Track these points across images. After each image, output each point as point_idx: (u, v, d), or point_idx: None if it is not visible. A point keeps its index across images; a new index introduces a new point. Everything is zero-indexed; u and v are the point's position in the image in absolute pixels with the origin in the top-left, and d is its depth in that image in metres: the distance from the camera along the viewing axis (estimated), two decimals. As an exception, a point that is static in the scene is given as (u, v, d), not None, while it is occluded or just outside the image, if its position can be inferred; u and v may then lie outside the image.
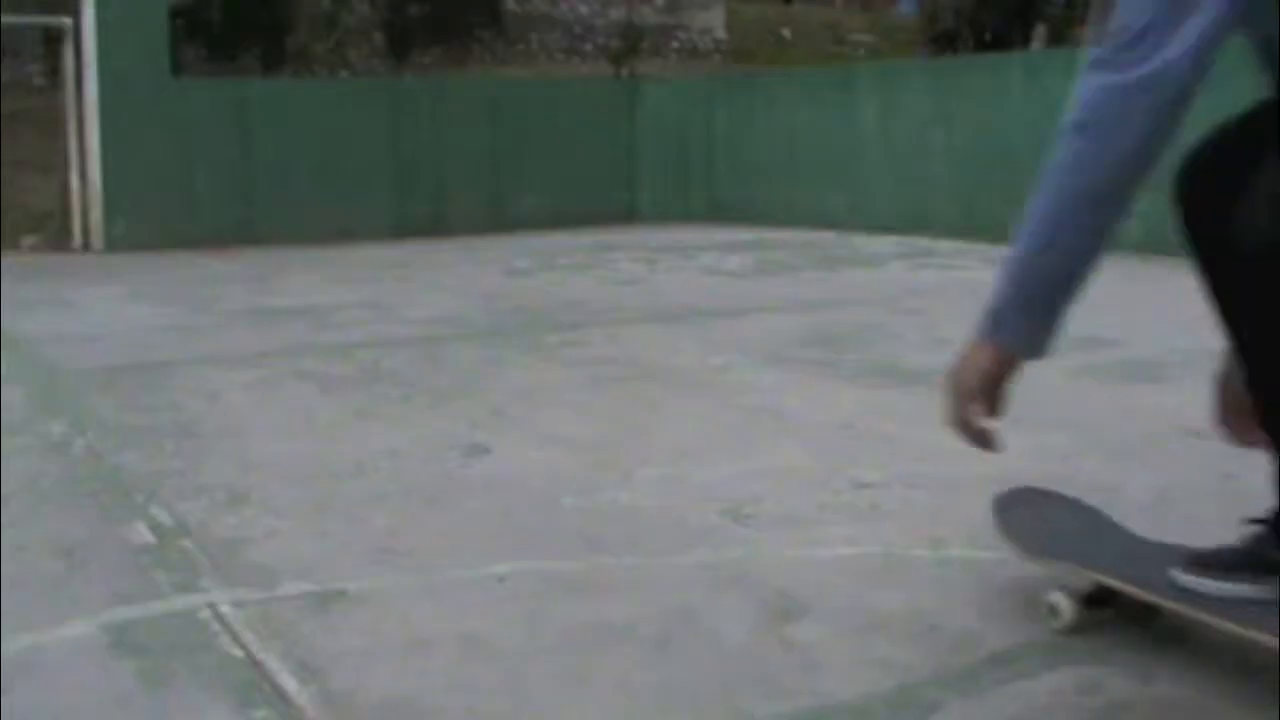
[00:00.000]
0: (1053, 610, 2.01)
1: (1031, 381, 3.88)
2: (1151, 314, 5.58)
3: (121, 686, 1.84)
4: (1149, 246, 7.81)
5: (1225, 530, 2.48)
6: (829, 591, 2.18)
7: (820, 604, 2.12)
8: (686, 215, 11.14)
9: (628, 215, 11.21)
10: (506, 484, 2.89)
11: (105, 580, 2.28)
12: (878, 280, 6.81)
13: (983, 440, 1.81)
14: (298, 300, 6.38)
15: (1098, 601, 2.00)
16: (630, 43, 16.86)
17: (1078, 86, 1.69)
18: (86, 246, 9.37)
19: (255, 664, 1.90)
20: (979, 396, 1.78)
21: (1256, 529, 1.88)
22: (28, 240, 9.68)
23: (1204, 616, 1.81)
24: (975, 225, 8.79)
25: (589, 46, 19.87)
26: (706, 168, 11.24)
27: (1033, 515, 2.23)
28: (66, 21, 9.40)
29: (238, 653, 1.95)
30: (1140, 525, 2.53)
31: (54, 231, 9.75)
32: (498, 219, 10.50)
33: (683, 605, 2.12)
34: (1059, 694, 1.77)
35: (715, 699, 1.78)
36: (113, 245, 9.22)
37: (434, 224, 10.27)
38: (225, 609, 2.13)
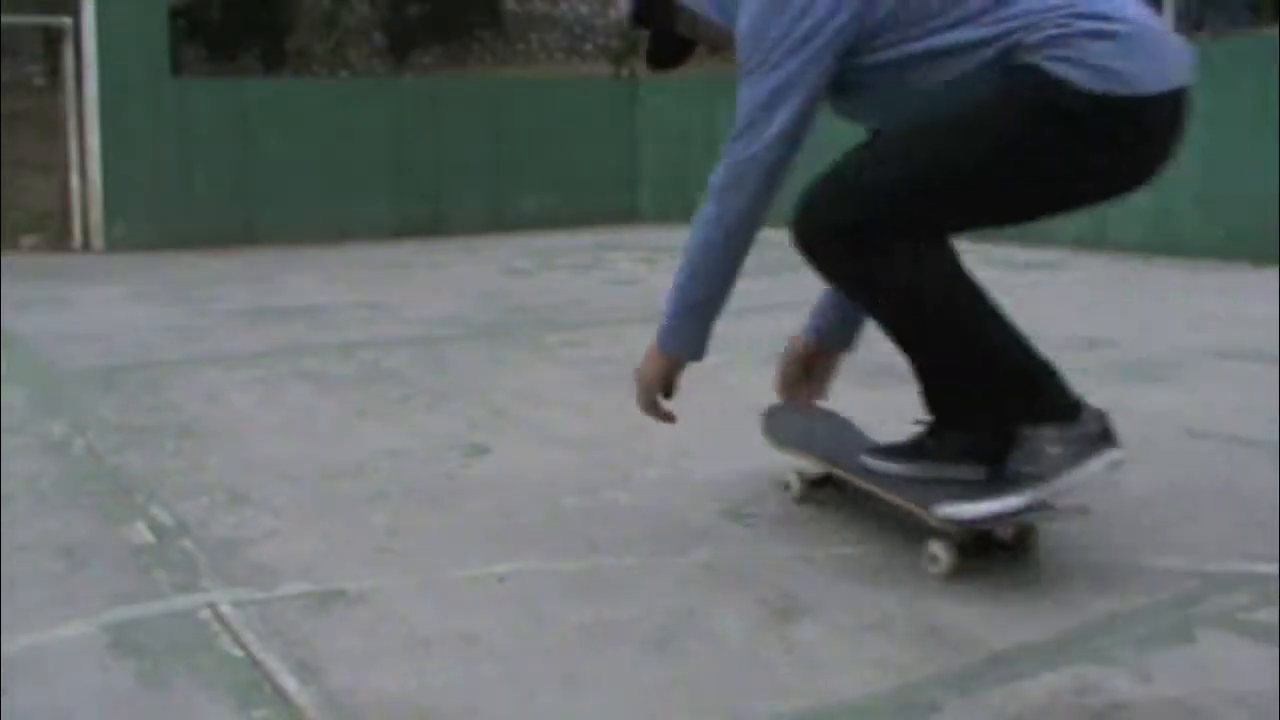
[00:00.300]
0: (787, 485, 2.73)
1: (1031, 381, 3.84)
2: (1151, 314, 5.58)
3: (121, 686, 1.84)
4: (1149, 246, 7.85)
5: (1224, 527, 2.49)
6: (829, 591, 2.18)
7: (820, 604, 2.12)
8: (686, 215, 11.07)
9: (628, 215, 11.21)
10: (506, 484, 2.89)
11: (105, 580, 2.28)
12: (878, 280, 6.81)
13: (666, 417, 2.53)
14: (298, 300, 6.38)
15: (819, 483, 2.69)
16: (630, 43, 16.84)
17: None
18: (86, 246, 9.37)
19: (255, 664, 1.90)
20: (660, 388, 2.48)
21: (918, 428, 2.47)
22: (28, 240, 9.68)
23: (869, 486, 2.46)
24: (975, 225, 8.78)
25: (589, 46, 19.88)
26: (706, 168, 11.16)
27: (791, 420, 2.88)
28: (66, 21, 9.40)
29: (238, 653, 1.95)
30: (1140, 523, 2.53)
31: (54, 231, 9.75)
32: (498, 219, 10.50)
33: (683, 605, 2.12)
34: (1059, 694, 1.77)
35: (715, 699, 1.78)
36: (113, 245, 9.22)
37: (434, 224, 10.27)
38: (225, 609, 2.13)
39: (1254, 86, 7.27)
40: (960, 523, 2.20)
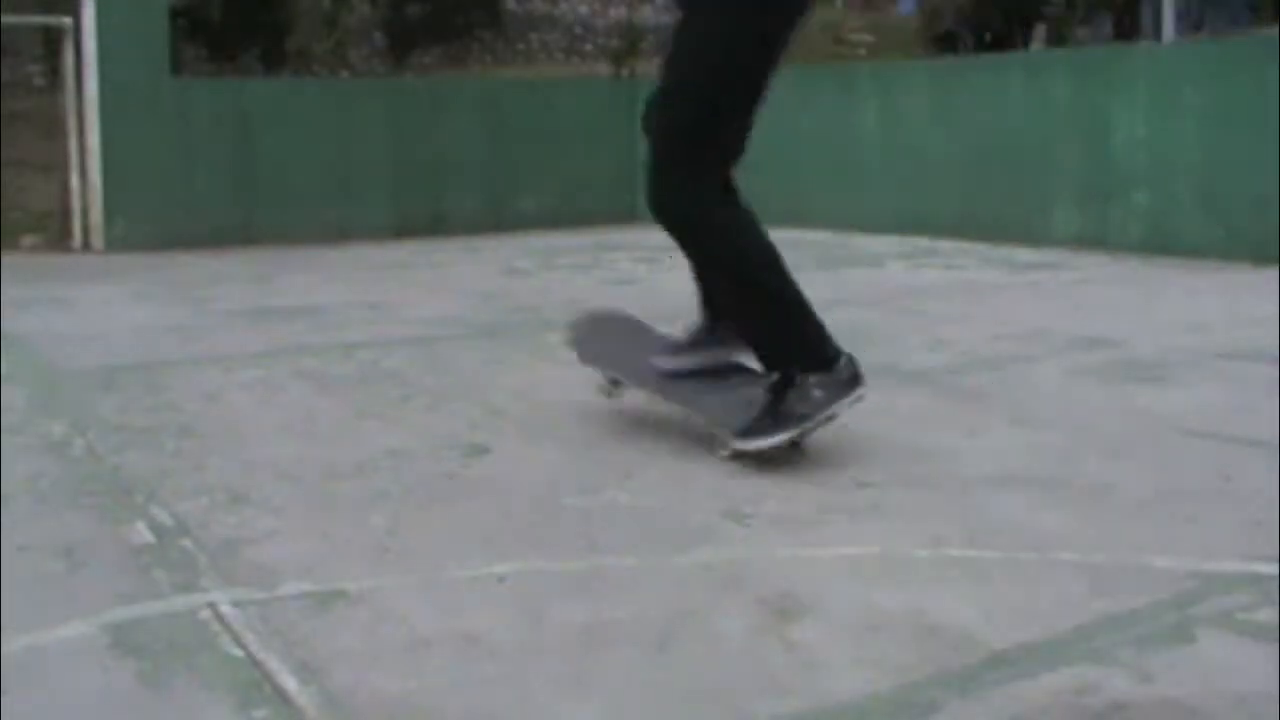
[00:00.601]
0: (601, 388, 3.35)
1: (1032, 381, 3.90)
2: (1152, 314, 5.58)
3: (121, 686, 1.84)
4: (1149, 246, 7.85)
5: (1224, 527, 2.49)
6: (829, 591, 2.18)
7: (820, 604, 2.12)
8: (686, 215, 11.11)
9: (628, 215, 11.19)
10: (506, 484, 2.89)
11: (105, 580, 2.28)
12: (878, 280, 6.81)
13: None
14: (298, 300, 6.38)
15: (617, 382, 3.30)
16: (630, 43, 16.84)
17: None
18: (86, 246, 9.36)
19: (255, 664, 1.90)
20: None
21: (693, 326, 3.15)
22: (28, 240, 9.67)
23: (672, 400, 3.15)
24: (975, 225, 8.79)
25: (589, 46, 19.88)
26: (706, 168, 11.22)
27: (596, 329, 3.46)
28: (66, 21, 9.38)
29: (238, 653, 1.95)
30: (1140, 523, 2.53)
31: (54, 231, 9.74)
32: (498, 219, 10.49)
33: (683, 605, 2.12)
34: (1059, 694, 1.77)
35: (715, 699, 1.78)
36: (113, 245, 9.20)
37: (434, 224, 10.26)
38: (225, 609, 2.13)
39: (1254, 86, 7.27)
40: (748, 452, 2.90)
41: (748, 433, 2.89)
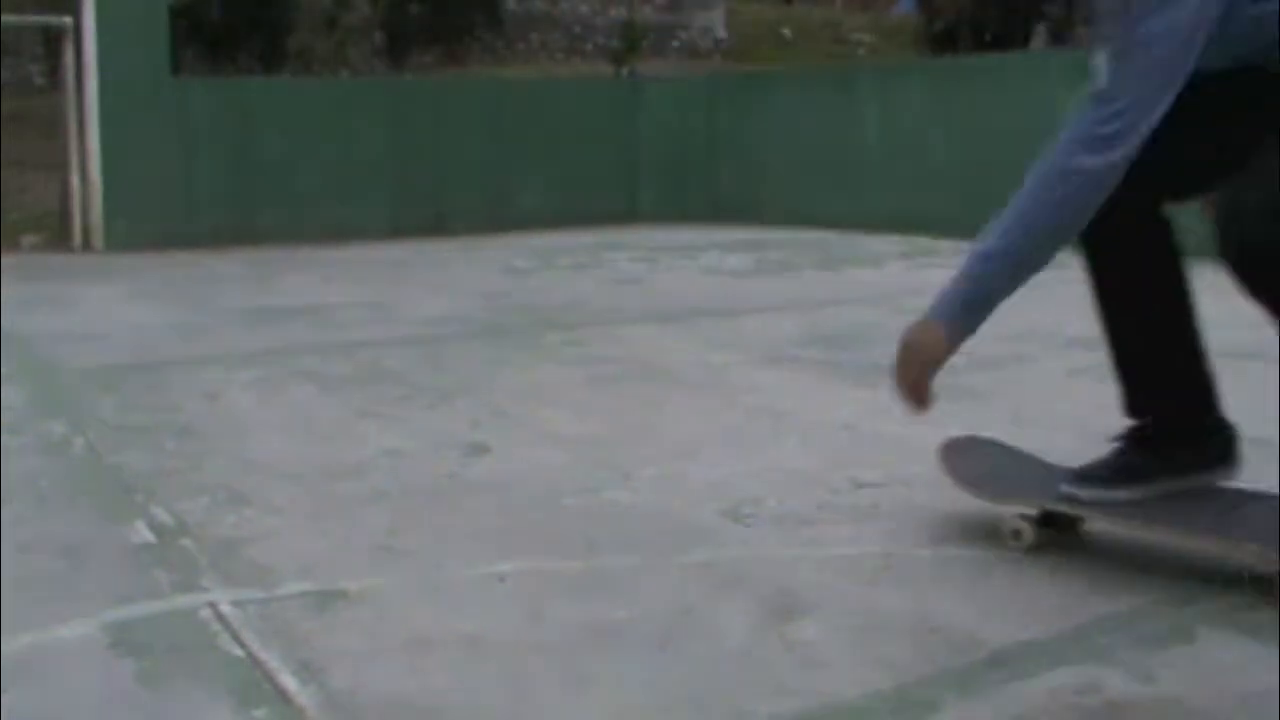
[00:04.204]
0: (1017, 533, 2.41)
1: (1033, 381, 3.90)
2: (1151, 314, 5.57)
3: (121, 686, 1.84)
4: (1149, 246, 7.85)
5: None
6: (829, 591, 2.18)
7: (820, 604, 2.12)
8: (686, 215, 11.13)
9: (628, 215, 11.21)
10: (506, 484, 2.89)
11: (105, 580, 2.28)
12: (878, 280, 6.81)
13: (924, 402, 2.25)
14: (298, 300, 6.38)
15: (1048, 523, 2.39)
16: (630, 42, 16.84)
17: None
18: (86, 246, 9.37)
19: (255, 664, 1.90)
20: (938, 369, 2.25)
21: (1116, 445, 2.42)
22: (28, 240, 9.68)
23: (1085, 513, 2.34)
24: (975, 225, 8.76)
25: (589, 46, 19.88)
26: (706, 168, 11.24)
27: (974, 460, 2.67)
28: (67, 21, 9.39)
29: (238, 653, 1.95)
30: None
31: (54, 231, 9.75)
32: (498, 219, 10.50)
33: (683, 605, 2.12)
34: (1059, 694, 1.78)
35: (715, 699, 1.78)
36: (113, 245, 9.21)
37: (434, 224, 10.26)
38: (225, 609, 2.13)
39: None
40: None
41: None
